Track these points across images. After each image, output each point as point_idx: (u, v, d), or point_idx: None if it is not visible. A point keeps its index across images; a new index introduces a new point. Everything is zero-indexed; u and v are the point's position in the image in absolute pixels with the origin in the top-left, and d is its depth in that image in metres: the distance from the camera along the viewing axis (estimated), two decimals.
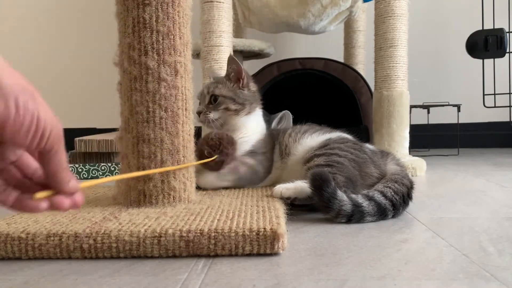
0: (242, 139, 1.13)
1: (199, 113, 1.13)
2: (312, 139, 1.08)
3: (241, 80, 1.16)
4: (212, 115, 1.12)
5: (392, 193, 0.88)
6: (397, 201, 0.88)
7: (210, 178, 1.06)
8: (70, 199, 0.45)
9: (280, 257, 0.67)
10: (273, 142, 1.18)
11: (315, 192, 0.84)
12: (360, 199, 0.85)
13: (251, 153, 1.12)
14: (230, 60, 1.16)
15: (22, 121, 0.38)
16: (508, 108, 2.08)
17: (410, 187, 0.92)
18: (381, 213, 0.86)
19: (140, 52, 0.85)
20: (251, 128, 1.16)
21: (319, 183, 0.83)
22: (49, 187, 0.45)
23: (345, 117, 1.90)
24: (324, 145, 1.03)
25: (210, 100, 1.13)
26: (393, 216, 0.88)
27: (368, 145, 1.11)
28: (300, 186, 0.91)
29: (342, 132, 1.13)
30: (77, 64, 2.70)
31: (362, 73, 2.02)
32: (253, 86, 1.20)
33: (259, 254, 0.67)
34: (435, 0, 2.47)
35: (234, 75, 1.16)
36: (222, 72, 1.56)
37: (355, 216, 0.83)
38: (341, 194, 0.83)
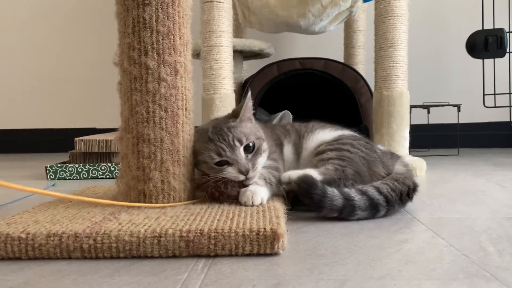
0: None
1: (244, 172, 0.87)
2: (324, 133, 1.08)
3: (254, 115, 0.97)
4: (259, 168, 0.90)
5: (389, 190, 0.88)
6: (392, 198, 0.88)
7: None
8: None
9: (280, 257, 0.67)
10: (280, 141, 1.09)
11: (306, 198, 0.84)
12: (352, 193, 0.86)
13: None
14: (240, 105, 0.94)
15: None
16: (508, 108, 2.08)
17: (412, 188, 0.93)
18: (373, 208, 0.86)
19: (140, 52, 0.85)
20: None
21: (306, 188, 0.83)
22: None
23: (345, 117, 1.89)
24: (337, 139, 1.03)
25: (247, 152, 0.90)
26: (387, 212, 0.88)
27: (379, 146, 1.12)
28: (309, 172, 0.91)
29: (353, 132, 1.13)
30: (77, 64, 2.70)
31: (362, 73, 2.02)
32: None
33: (259, 254, 0.67)
34: (435, 0, 2.47)
35: (247, 112, 0.95)
36: (222, 71, 1.56)
37: (346, 210, 0.84)
38: (331, 190, 0.84)
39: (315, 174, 0.90)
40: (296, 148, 1.10)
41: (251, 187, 0.87)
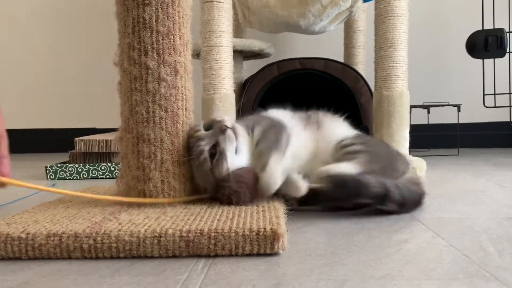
0: None
1: (224, 126, 0.88)
2: (345, 128, 1.10)
3: None
4: (228, 121, 0.93)
5: (411, 190, 0.92)
6: (413, 198, 0.92)
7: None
8: None
9: (280, 257, 0.67)
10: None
11: (342, 194, 0.87)
12: (388, 183, 0.87)
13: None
14: None
15: None
16: (508, 108, 2.08)
17: (422, 196, 0.95)
18: (402, 204, 0.89)
19: (140, 52, 0.85)
20: None
21: (352, 186, 0.86)
22: None
23: (345, 117, 1.90)
24: (359, 136, 1.06)
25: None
26: (405, 211, 0.91)
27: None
28: (345, 165, 0.92)
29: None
30: (77, 64, 2.70)
31: (362, 73, 2.02)
32: None
33: (259, 254, 0.67)
34: (435, 0, 2.47)
35: None
36: (222, 71, 1.56)
37: (379, 198, 0.86)
38: (367, 178, 0.86)
39: (350, 167, 0.92)
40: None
41: (267, 172, 0.85)
